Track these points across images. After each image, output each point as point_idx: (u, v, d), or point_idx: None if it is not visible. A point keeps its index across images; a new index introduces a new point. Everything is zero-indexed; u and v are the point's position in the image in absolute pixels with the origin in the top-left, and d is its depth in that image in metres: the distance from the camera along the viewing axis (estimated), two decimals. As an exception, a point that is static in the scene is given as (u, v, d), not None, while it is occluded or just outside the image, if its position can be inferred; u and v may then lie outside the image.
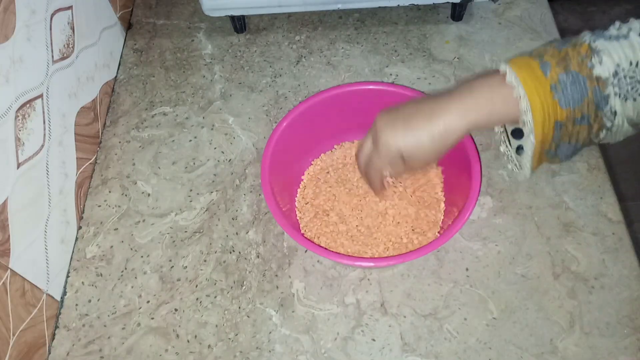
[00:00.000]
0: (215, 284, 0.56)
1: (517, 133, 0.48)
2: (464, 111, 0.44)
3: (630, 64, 0.41)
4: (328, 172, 0.61)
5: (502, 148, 0.49)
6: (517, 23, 0.74)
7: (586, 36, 0.44)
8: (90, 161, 0.65)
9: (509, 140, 0.49)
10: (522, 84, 0.43)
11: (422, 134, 0.45)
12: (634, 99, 0.42)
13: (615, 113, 0.43)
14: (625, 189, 1.40)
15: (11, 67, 0.48)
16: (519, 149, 0.48)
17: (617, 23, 0.44)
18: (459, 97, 0.45)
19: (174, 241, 0.59)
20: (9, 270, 0.47)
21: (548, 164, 0.48)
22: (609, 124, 0.43)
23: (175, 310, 0.55)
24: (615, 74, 0.41)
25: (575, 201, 0.59)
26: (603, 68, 0.42)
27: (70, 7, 0.60)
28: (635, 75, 0.41)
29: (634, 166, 1.42)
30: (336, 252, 0.53)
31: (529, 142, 0.44)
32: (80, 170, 0.62)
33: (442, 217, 0.57)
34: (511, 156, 0.48)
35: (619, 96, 0.42)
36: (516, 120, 0.44)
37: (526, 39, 0.72)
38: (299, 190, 0.61)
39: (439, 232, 0.56)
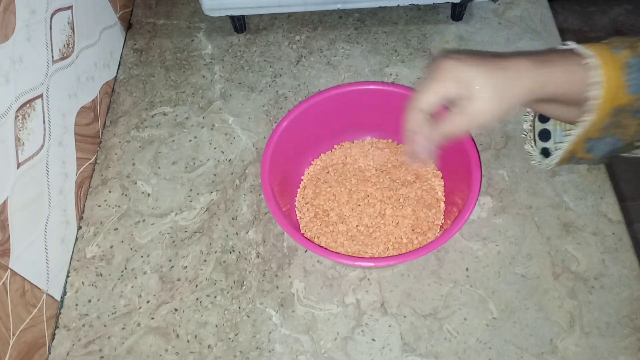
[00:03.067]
0: (215, 284, 0.56)
1: (544, 135, 0.45)
2: (536, 63, 0.39)
3: None
4: (328, 172, 0.61)
5: (527, 147, 0.47)
6: (517, 23, 0.74)
7: None
8: (90, 161, 0.65)
9: (535, 141, 0.47)
10: (597, 55, 0.39)
11: (492, 65, 0.39)
12: None
13: None
14: (625, 189, 1.40)
15: (11, 67, 0.48)
16: (542, 134, 0.45)
17: None
18: (535, 55, 0.41)
19: (174, 241, 0.59)
20: (9, 270, 0.47)
21: (573, 164, 0.45)
22: None
23: (175, 310, 0.55)
24: None
25: (575, 201, 0.59)
26: None
27: (70, 7, 0.60)
28: None
29: (634, 166, 1.42)
30: (336, 252, 0.53)
31: (582, 124, 0.40)
32: (80, 170, 0.62)
33: (442, 217, 0.57)
34: (535, 156, 0.46)
35: None
36: (581, 93, 0.40)
37: (526, 39, 0.72)
38: (298, 190, 0.61)
39: (438, 232, 0.56)
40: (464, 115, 0.40)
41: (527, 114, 0.50)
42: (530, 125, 0.48)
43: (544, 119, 0.47)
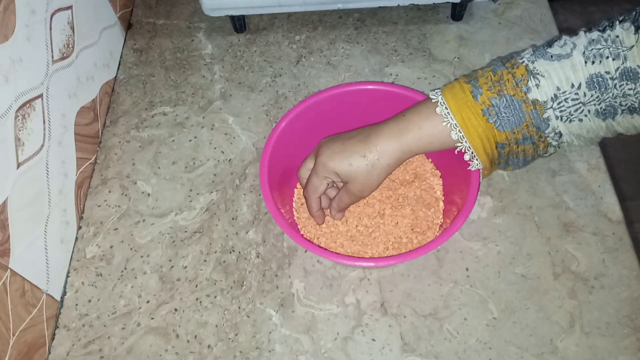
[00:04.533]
0: (215, 284, 0.56)
1: None
2: (396, 135, 0.46)
3: (572, 86, 0.40)
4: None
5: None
6: (517, 23, 0.74)
7: (526, 55, 0.42)
8: (90, 161, 0.65)
9: None
10: (453, 112, 0.43)
11: (356, 156, 0.47)
12: (580, 120, 0.41)
13: (560, 134, 0.42)
14: (625, 189, 1.40)
15: (11, 67, 0.48)
16: None
17: (563, 38, 0.42)
18: (394, 122, 0.47)
19: (173, 241, 0.59)
20: (8, 270, 0.47)
21: (545, 159, 0.49)
22: (555, 143, 0.43)
23: (175, 310, 0.55)
24: (555, 97, 0.40)
25: (575, 201, 0.59)
26: (540, 92, 0.41)
27: (70, 7, 0.60)
28: (578, 97, 0.40)
29: (634, 166, 1.42)
30: (336, 253, 0.53)
31: (475, 164, 0.46)
32: (80, 170, 0.62)
33: (442, 217, 0.57)
34: (471, 166, 0.49)
35: (561, 119, 0.41)
36: (450, 145, 0.45)
37: (526, 38, 0.72)
38: (297, 190, 0.60)
39: (438, 232, 0.56)
40: (348, 193, 0.50)
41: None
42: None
43: None
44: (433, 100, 0.45)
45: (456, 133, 0.44)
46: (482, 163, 0.45)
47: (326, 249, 0.51)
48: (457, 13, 0.74)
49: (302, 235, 0.56)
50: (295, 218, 0.58)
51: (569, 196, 0.59)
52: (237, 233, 0.59)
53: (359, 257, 0.53)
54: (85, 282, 0.57)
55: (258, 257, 0.58)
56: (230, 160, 0.65)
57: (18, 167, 0.49)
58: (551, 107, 0.40)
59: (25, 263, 0.50)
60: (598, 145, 0.61)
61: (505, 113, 0.42)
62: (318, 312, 0.54)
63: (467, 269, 0.55)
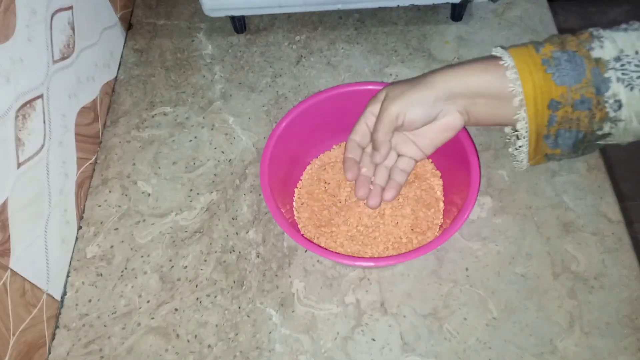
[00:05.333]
0: (215, 284, 0.56)
1: None
2: (456, 77, 0.45)
3: (637, 52, 0.40)
4: (327, 172, 0.61)
5: (507, 129, 0.48)
6: (517, 23, 0.74)
7: (590, 29, 0.43)
8: (91, 161, 0.65)
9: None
10: (512, 56, 0.43)
11: (418, 96, 0.45)
12: None
13: (619, 103, 0.40)
14: (625, 189, 1.40)
15: (11, 67, 0.49)
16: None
17: (630, 22, 0.42)
18: (454, 66, 0.46)
19: (174, 241, 0.59)
20: (9, 270, 0.47)
21: (550, 161, 0.47)
22: (612, 114, 0.41)
23: (175, 310, 0.55)
24: (618, 58, 0.40)
25: (575, 201, 0.59)
26: (603, 51, 0.40)
27: (70, 7, 0.61)
28: None
29: (634, 166, 1.42)
30: (336, 252, 0.53)
31: (522, 119, 0.43)
32: (80, 170, 0.62)
33: (442, 217, 0.57)
34: (513, 141, 0.47)
35: (623, 82, 0.40)
36: (506, 95, 0.43)
37: (526, 39, 0.72)
38: (298, 190, 0.61)
39: (438, 232, 0.56)
40: (410, 139, 0.49)
41: None
42: (512, 128, 0.49)
43: None
44: (493, 53, 0.45)
45: (512, 73, 0.42)
46: (529, 124, 0.43)
47: (326, 249, 0.51)
48: (457, 13, 0.74)
49: (302, 235, 0.56)
50: (295, 218, 0.59)
51: (569, 196, 0.59)
52: (237, 233, 0.59)
53: (359, 257, 0.53)
54: (86, 282, 0.57)
55: (258, 257, 0.58)
56: (230, 160, 0.65)
57: (18, 167, 0.49)
58: (613, 67, 0.40)
59: (26, 263, 0.50)
60: (598, 146, 0.61)
61: (565, 66, 0.41)
62: (318, 312, 0.54)
63: (467, 269, 0.55)
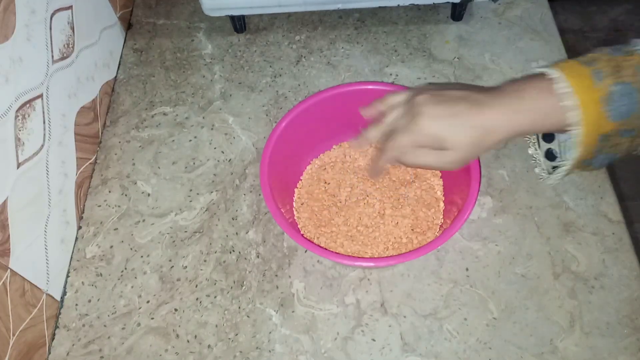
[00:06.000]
0: (215, 284, 0.56)
1: (548, 136, 0.45)
2: (511, 113, 0.41)
3: None
4: (327, 172, 0.61)
5: (531, 150, 0.46)
6: (517, 23, 0.74)
7: (638, 45, 0.40)
8: (90, 161, 0.65)
9: (539, 143, 0.47)
10: (574, 91, 0.39)
11: (466, 124, 0.41)
12: None
13: None
14: (625, 189, 1.40)
15: (11, 67, 0.48)
16: (549, 153, 0.45)
17: None
18: (508, 97, 0.42)
19: (173, 241, 0.59)
20: (9, 270, 0.47)
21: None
22: None
23: (175, 310, 0.55)
24: None
25: (575, 201, 0.59)
26: None
27: (70, 7, 0.60)
28: None
29: (634, 166, 1.42)
30: (336, 252, 0.53)
31: (570, 154, 0.42)
32: (80, 170, 0.62)
33: (442, 217, 0.57)
34: (539, 160, 0.46)
35: None
36: (560, 129, 0.41)
37: (526, 38, 0.72)
38: (298, 190, 0.60)
39: (438, 232, 0.56)
40: (437, 158, 0.43)
41: (528, 138, 0.49)
42: (536, 149, 0.48)
43: (548, 137, 0.46)
44: (549, 76, 0.41)
45: (574, 115, 0.39)
46: (577, 154, 0.41)
47: (326, 249, 0.51)
48: (457, 13, 0.74)
49: (302, 235, 0.56)
50: (295, 218, 0.58)
51: (569, 196, 0.59)
52: (237, 233, 0.59)
53: (359, 257, 0.53)
54: (85, 282, 0.57)
55: (258, 257, 0.58)
56: (230, 160, 0.65)
57: (18, 167, 0.49)
58: None
59: (25, 263, 0.50)
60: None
61: (621, 102, 0.39)
62: (318, 312, 0.54)
63: (467, 269, 0.55)
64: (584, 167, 0.44)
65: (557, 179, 0.45)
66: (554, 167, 0.45)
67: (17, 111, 0.49)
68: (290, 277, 0.56)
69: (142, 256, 0.59)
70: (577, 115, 0.39)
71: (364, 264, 0.48)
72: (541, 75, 0.42)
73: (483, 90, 0.43)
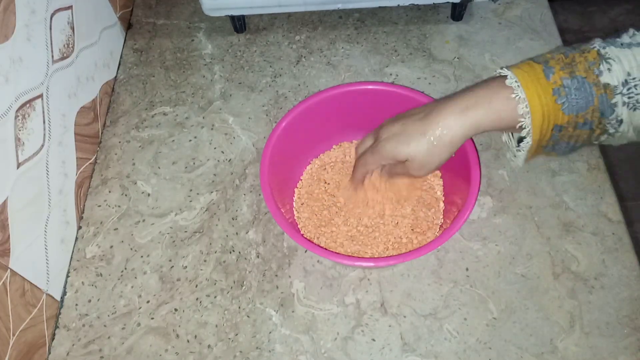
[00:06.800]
0: (215, 284, 0.56)
1: None
2: (462, 111, 0.44)
3: None
4: (327, 172, 0.61)
5: (504, 137, 0.48)
6: (517, 23, 0.74)
7: (596, 43, 0.42)
8: (90, 161, 0.65)
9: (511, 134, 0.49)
10: (523, 86, 0.42)
11: (415, 135, 0.45)
12: None
13: (621, 121, 0.41)
14: (625, 189, 1.40)
15: (11, 67, 0.48)
16: (521, 140, 0.47)
17: (631, 30, 0.42)
18: (458, 98, 0.44)
19: (173, 241, 0.59)
20: (9, 270, 0.47)
21: (546, 158, 0.48)
22: (612, 130, 0.42)
23: (175, 310, 0.55)
24: (625, 82, 0.40)
25: (575, 201, 0.59)
26: (612, 76, 0.40)
27: (70, 7, 0.60)
28: None
29: (634, 166, 1.42)
30: (336, 252, 0.53)
31: (525, 143, 0.44)
32: (80, 170, 0.62)
33: (442, 217, 0.57)
34: (510, 143, 0.48)
35: (628, 105, 0.40)
36: (515, 123, 0.43)
37: (526, 39, 0.72)
38: (298, 190, 0.60)
39: (438, 232, 0.56)
40: (404, 170, 0.48)
41: None
42: (508, 137, 0.49)
43: None
44: (502, 74, 0.44)
45: (522, 107, 0.42)
46: (530, 142, 0.43)
47: (326, 249, 0.51)
48: (457, 13, 0.74)
49: (302, 235, 0.56)
50: (295, 218, 0.58)
51: (569, 196, 0.59)
52: (237, 233, 0.59)
53: (359, 257, 0.53)
54: (85, 282, 0.57)
55: (258, 257, 0.58)
56: (230, 160, 0.65)
57: (18, 167, 0.49)
58: (620, 92, 0.40)
59: (25, 263, 0.50)
60: (598, 146, 0.61)
61: (576, 95, 0.41)
62: (318, 312, 0.54)
63: (467, 269, 0.55)
64: (548, 154, 0.46)
65: (520, 163, 0.47)
66: (519, 152, 0.46)
67: (17, 111, 0.49)
68: (290, 277, 0.56)
69: (142, 256, 0.59)
70: (527, 107, 0.42)
71: (364, 264, 0.48)
72: (494, 76, 0.44)
73: (438, 101, 0.46)
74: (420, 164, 0.46)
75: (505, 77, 0.43)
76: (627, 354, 0.50)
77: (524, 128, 0.43)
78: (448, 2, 0.70)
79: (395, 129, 0.46)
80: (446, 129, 0.44)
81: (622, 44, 0.41)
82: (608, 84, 0.41)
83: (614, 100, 0.41)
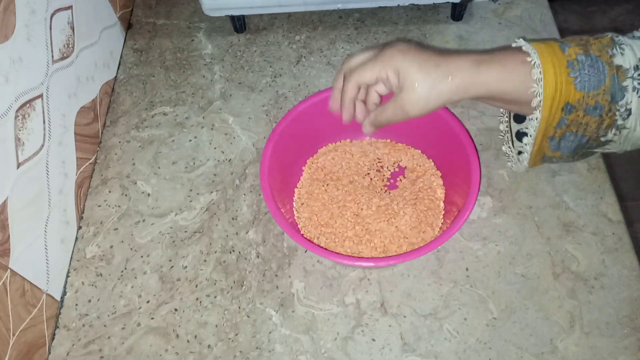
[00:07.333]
0: (215, 284, 0.56)
1: (520, 117, 0.46)
2: (477, 62, 0.42)
3: None
4: (327, 172, 0.61)
5: (502, 127, 0.48)
6: (517, 23, 0.74)
7: (609, 33, 0.42)
8: (90, 161, 0.65)
9: (510, 123, 0.48)
10: (539, 53, 0.41)
11: (429, 62, 0.42)
12: None
13: (629, 112, 0.41)
14: (625, 189, 1.40)
15: (11, 67, 0.48)
16: (519, 135, 0.46)
17: None
18: (476, 53, 0.43)
19: (173, 241, 0.59)
20: (9, 270, 0.47)
21: (548, 163, 0.48)
22: (620, 122, 0.41)
23: (175, 310, 0.55)
24: (637, 67, 0.40)
25: (575, 201, 0.59)
26: (624, 59, 0.40)
27: (70, 7, 0.60)
28: None
29: (634, 166, 1.42)
30: (336, 252, 0.53)
31: (535, 119, 0.42)
32: (80, 170, 0.62)
33: (442, 217, 0.57)
34: (508, 139, 0.47)
35: (637, 92, 0.40)
36: (524, 92, 0.42)
37: (526, 39, 0.72)
38: (298, 190, 0.60)
39: (438, 232, 0.56)
40: (395, 105, 0.44)
41: (502, 114, 0.50)
42: (507, 126, 0.49)
43: (519, 119, 0.48)
44: (518, 44, 0.43)
45: (537, 73, 0.40)
46: (539, 123, 0.42)
47: (326, 249, 0.51)
48: (457, 13, 0.74)
49: (302, 235, 0.56)
50: (295, 218, 0.58)
51: (569, 196, 0.59)
52: (237, 233, 0.59)
53: (359, 257, 0.53)
54: (85, 282, 0.57)
55: (258, 257, 0.58)
56: (230, 160, 0.65)
57: (18, 167, 0.49)
58: (631, 76, 0.40)
59: (25, 263, 0.50)
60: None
61: (589, 72, 0.40)
62: (318, 312, 0.54)
63: (467, 269, 0.55)
64: (553, 151, 0.45)
65: (526, 160, 0.45)
66: (520, 153, 0.45)
67: (17, 111, 0.49)
68: (290, 277, 0.56)
69: (142, 256, 0.59)
70: (540, 72, 0.40)
71: (364, 264, 0.48)
72: (509, 46, 0.43)
73: (455, 52, 0.44)
74: (419, 97, 0.43)
75: (521, 46, 0.42)
76: (627, 354, 0.50)
77: (536, 97, 0.41)
78: (448, 2, 0.70)
79: (410, 49, 0.43)
80: (457, 71, 0.42)
81: (634, 36, 0.42)
82: (620, 65, 0.40)
83: (625, 83, 0.40)
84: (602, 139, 0.43)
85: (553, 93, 0.41)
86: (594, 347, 0.50)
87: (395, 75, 0.43)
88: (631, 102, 0.41)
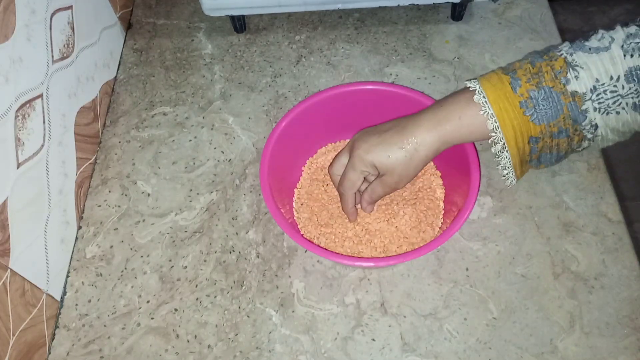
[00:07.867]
0: (215, 284, 0.56)
1: None
2: (434, 125, 0.46)
3: (611, 78, 0.40)
4: (326, 172, 0.61)
5: (493, 149, 0.49)
6: (517, 23, 0.74)
7: (564, 48, 0.43)
8: (90, 161, 0.65)
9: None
10: (491, 102, 0.43)
11: (394, 148, 0.47)
12: (617, 112, 0.41)
13: (596, 126, 0.42)
14: (625, 189, 1.40)
15: (11, 67, 0.48)
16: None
17: (600, 32, 0.42)
18: (430, 112, 0.46)
19: (173, 241, 0.59)
20: (8, 270, 0.47)
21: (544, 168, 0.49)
22: (589, 135, 0.43)
23: (175, 310, 0.55)
24: (594, 89, 0.40)
25: (575, 201, 0.59)
26: (580, 84, 0.41)
27: (70, 7, 0.60)
28: (617, 89, 0.40)
29: (634, 166, 1.42)
30: (336, 253, 0.53)
31: (505, 158, 0.45)
32: (80, 170, 0.62)
33: (442, 217, 0.57)
34: (500, 159, 0.48)
35: (599, 111, 0.41)
36: (487, 136, 0.45)
37: (526, 39, 0.72)
38: (297, 190, 0.60)
39: (438, 232, 0.56)
40: (382, 185, 0.50)
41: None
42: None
43: None
44: (471, 89, 0.45)
45: (492, 123, 0.43)
46: (511, 157, 0.45)
47: (326, 249, 0.51)
48: (457, 13, 0.74)
49: (302, 235, 0.56)
50: (295, 218, 0.58)
51: (569, 196, 0.59)
52: (237, 233, 0.59)
53: (359, 257, 0.53)
54: (85, 282, 0.57)
55: (258, 257, 0.58)
56: (230, 160, 0.65)
57: (18, 167, 0.49)
58: (590, 99, 0.41)
59: (25, 263, 0.50)
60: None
61: (543, 105, 0.42)
62: (318, 312, 0.54)
63: (467, 269, 0.55)
64: (536, 167, 0.48)
65: (512, 180, 0.48)
66: (504, 170, 0.48)
67: (17, 111, 0.49)
68: (290, 277, 0.56)
69: (142, 256, 0.59)
70: (495, 122, 0.43)
71: (364, 264, 0.48)
72: (464, 89, 0.46)
73: (412, 115, 0.48)
74: (400, 176, 0.48)
75: (473, 90, 0.45)
76: (627, 354, 0.50)
77: (497, 143, 0.44)
78: (448, 2, 0.70)
79: (373, 140, 0.48)
80: (421, 143, 0.46)
81: (590, 49, 0.41)
82: (576, 91, 0.41)
83: (584, 107, 0.41)
84: (579, 149, 0.45)
85: (513, 134, 0.43)
86: (594, 347, 0.50)
87: (373, 168, 0.49)
88: (595, 119, 0.42)
